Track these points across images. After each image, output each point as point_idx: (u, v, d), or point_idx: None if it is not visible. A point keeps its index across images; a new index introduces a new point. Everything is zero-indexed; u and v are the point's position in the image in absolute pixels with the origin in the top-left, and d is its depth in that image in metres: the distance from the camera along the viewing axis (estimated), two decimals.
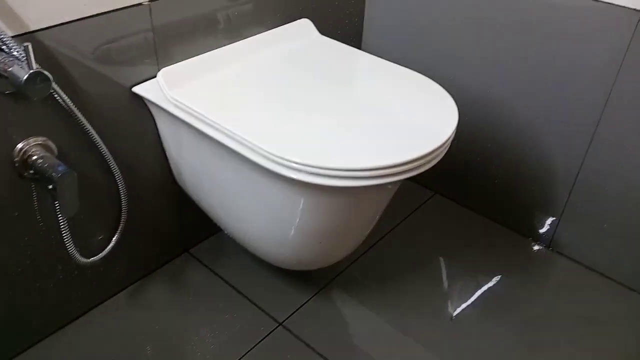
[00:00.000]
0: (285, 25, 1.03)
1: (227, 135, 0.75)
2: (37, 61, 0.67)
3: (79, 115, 0.79)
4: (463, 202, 1.29)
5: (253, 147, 0.72)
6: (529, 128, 1.10)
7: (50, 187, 0.76)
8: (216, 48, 0.96)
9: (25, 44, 0.65)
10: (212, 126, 0.77)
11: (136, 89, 0.86)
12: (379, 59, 0.95)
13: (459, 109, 0.81)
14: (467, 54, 1.13)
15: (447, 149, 0.75)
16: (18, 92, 0.68)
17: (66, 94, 0.76)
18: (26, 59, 0.66)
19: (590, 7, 0.93)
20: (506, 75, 1.09)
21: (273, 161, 0.71)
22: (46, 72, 0.68)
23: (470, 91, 1.16)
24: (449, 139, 0.74)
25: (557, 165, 1.09)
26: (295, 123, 0.77)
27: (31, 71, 0.65)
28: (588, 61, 0.97)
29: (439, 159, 0.74)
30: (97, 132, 0.82)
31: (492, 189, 1.22)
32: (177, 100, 0.81)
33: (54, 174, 0.74)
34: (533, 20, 1.01)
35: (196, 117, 0.79)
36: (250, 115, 0.78)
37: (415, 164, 0.70)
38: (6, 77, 0.68)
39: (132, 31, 0.82)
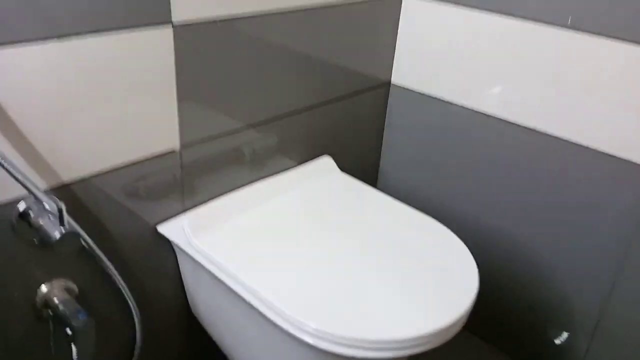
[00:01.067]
0: (307, 164, 1.07)
1: (246, 289, 0.76)
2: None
3: (103, 258, 0.80)
4: (481, 335, 1.26)
5: (271, 305, 0.73)
6: (548, 270, 1.09)
7: (69, 331, 0.76)
8: (241, 183, 0.99)
9: (60, 204, 0.68)
10: (232, 278, 0.78)
11: (161, 229, 0.87)
12: (399, 204, 0.97)
13: (475, 245, 0.81)
14: (485, 191, 1.14)
15: (465, 320, 0.74)
16: (47, 245, 0.70)
17: (91, 237, 0.78)
18: (59, 215, 0.68)
19: (612, 162, 0.95)
20: (524, 214, 1.10)
21: (289, 322, 0.71)
22: (77, 230, 0.70)
23: (487, 228, 1.16)
24: (467, 311, 0.73)
25: (577, 310, 1.07)
26: (315, 279, 0.78)
27: (64, 232, 0.67)
28: (608, 210, 0.98)
29: (456, 330, 0.73)
30: (119, 270, 0.83)
31: (509, 325, 1.20)
32: (200, 248, 0.82)
33: (74, 321, 0.75)
34: (554, 164, 1.03)
35: (217, 267, 0.79)
36: (270, 269, 0.79)
37: (429, 338, 0.70)
38: (36, 229, 0.71)
39: (161, 171, 0.85)
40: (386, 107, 1.28)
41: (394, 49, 1.21)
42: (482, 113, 1.12)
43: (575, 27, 0.94)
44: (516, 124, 1.07)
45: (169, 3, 0.75)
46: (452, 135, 1.18)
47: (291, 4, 0.92)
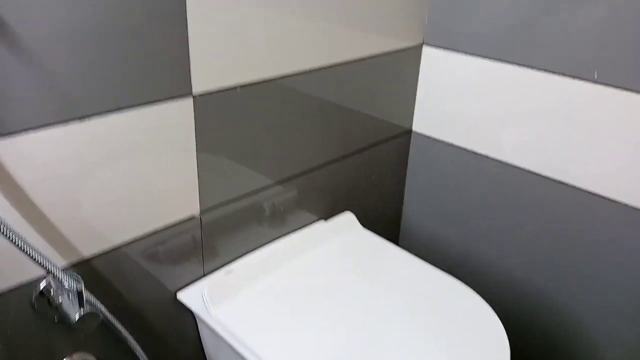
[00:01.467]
0: (329, 222, 1.05)
1: None
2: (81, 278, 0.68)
3: (123, 330, 0.79)
4: None
5: None
6: (575, 323, 1.05)
7: None
8: (262, 241, 0.97)
9: (79, 284, 0.67)
10: (252, 352, 0.76)
11: (181, 296, 0.86)
12: (422, 264, 0.94)
13: (499, 295, 0.78)
14: (510, 242, 1.11)
15: None
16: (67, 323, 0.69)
17: (111, 308, 0.77)
18: (77, 296, 0.67)
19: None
20: (550, 266, 1.06)
21: None
22: (96, 309, 0.69)
23: (513, 279, 1.13)
24: None
25: None
26: (337, 350, 0.75)
27: (83, 313, 0.66)
28: (632, 265, 0.94)
29: None
30: (139, 340, 0.82)
31: None
32: (219, 319, 0.81)
33: None
34: (580, 216, 1.00)
35: (237, 340, 0.78)
36: (291, 341, 0.77)
37: None
38: (56, 308, 0.70)
39: (181, 236, 0.84)
40: (408, 155, 1.26)
41: (415, 97, 1.20)
42: (505, 163, 1.09)
43: (602, 81, 0.92)
44: (541, 175, 1.04)
45: (190, 76, 0.74)
46: (474, 183, 1.16)
47: (310, 65, 0.91)
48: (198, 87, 0.76)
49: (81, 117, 0.65)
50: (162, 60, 0.70)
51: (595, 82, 0.92)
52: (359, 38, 0.99)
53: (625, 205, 0.94)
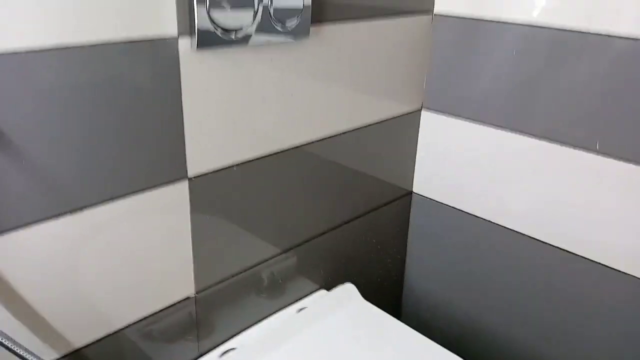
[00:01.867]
0: (330, 293, 1.03)
1: None
2: None
3: None
4: None
5: None
6: None
7: None
8: (260, 315, 0.95)
9: None
10: None
11: None
12: (424, 340, 0.92)
13: None
14: (516, 309, 1.08)
15: None
16: None
17: None
18: None
19: None
20: (556, 334, 1.03)
21: None
22: None
23: (519, 346, 1.09)
24: None
25: None
26: None
27: None
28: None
29: None
30: None
31: None
32: None
33: None
34: (586, 286, 0.97)
35: None
36: None
37: None
38: None
39: (175, 316, 0.82)
40: (409, 217, 1.24)
41: (415, 159, 1.19)
42: (507, 228, 1.07)
43: (604, 152, 0.90)
44: (545, 243, 1.02)
45: (185, 160, 0.74)
46: (476, 248, 1.14)
47: (309, 137, 0.91)
48: (193, 169, 0.75)
49: (75, 210, 0.64)
50: (157, 147, 0.70)
51: (598, 152, 0.91)
52: (359, 107, 0.98)
53: (634, 277, 0.92)
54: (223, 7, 0.69)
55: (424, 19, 1.05)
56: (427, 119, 1.14)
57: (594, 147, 0.91)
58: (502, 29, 0.98)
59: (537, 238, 1.03)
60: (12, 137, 0.57)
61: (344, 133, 0.97)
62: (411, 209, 1.24)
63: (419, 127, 1.16)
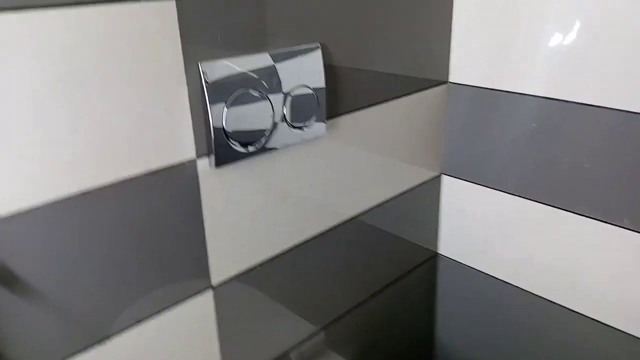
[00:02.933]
0: None
1: None
2: None
3: None
4: None
5: None
6: None
7: None
8: None
9: None
10: None
11: None
12: None
13: None
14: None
15: None
16: None
17: None
18: None
19: None
20: None
21: None
22: None
23: None
24: None
25: None
26: None
27: None
28: None
29: None
30: None
31: None
32: None
33: None
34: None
35: None
36: None
37: None
38: None
39: None
40: (436, 281, 1.22)
41: (438, 221, 1.17)
42: (534, 294, 1.05)
43: (632, 227, 0.88)
44: (574, 312, 0.99)
45: (208, 271, 0.74)
46: (504, 313, 1.11)
47: (330, 223, 0.90)
48: (217, 278, 0.75)
49: (101, 340, 0.65)
50: (179, 264, 0.70)
51: (624, 226, 0.88)
52: (381, 184, 0.97)
53: None
54: (239, 124, 0.69)
55: (439, 89, 1.04)
56: (448, 183, 1.13)
57: (620, 221, 0.89)
58: (518, 100, 0.96)
59: (564, 305, 1.00)
60: (30, 280, 0.57)
61: (366, 212, 0.96)
62: (437, 272, 1.22)
63: (440, 191, 1.15)
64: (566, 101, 0.90)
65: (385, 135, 0.95)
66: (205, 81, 0.64)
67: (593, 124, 0.88)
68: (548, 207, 0.98)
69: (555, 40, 0.88)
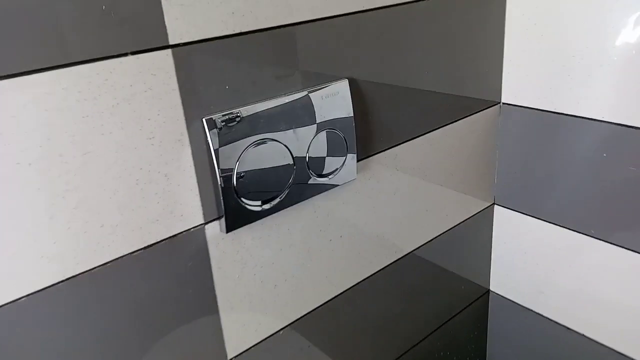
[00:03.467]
0: None
1: None
2: None
3: None
4: None
5: None
6: None
7: None
8: None
9: None
10: None
11: None
12: None
13: None
14: None
15: None
16: None
17: None
18: None
19: None
20: None
21: None
22: None
23: None
24: None
25: None
26: None
27: None
28: None
29: None
30: None
31: None
32: None
33: None
34: None
35: None
36: None
37: None
38: None
39: None
40: (487, 320, 1.10)
41: (490, 256, 1.05)
42: (594, 341, 0.91)
43: None
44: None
45: (224, 344, 0.65)
46: (559, 356, 0.98)
47: (367, 272, 0.80)
48: (233, 350, 0.67)
49: None
50: (190, 338, 0.62)
51: None
52: (426, 222, 0.86)
53: None
54: (254, 181, 0.59)
55: (490, 112, 0.91)
56: (501, 214, 1.00)
57: None
58: (581, 124, 0.83)
59: (633, 357, 0.87)
60: None
61: (409, 253, 0.85)
62: (489, 310, 1.09)
63: (492, 223, 1.02)
64: (635, 128, 0.76)
65: (430, 169, 0.84)
66: (211, 138, 0.55)
67: None
68: (615, 247, 0.84)
69: (626, 57, 0.74)
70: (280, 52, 0.59)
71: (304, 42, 0.61)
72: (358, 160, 0.71)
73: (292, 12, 0.58)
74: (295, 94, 0.61)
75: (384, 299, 0.85)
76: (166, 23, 0.49)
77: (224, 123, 0.55)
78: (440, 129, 0.83)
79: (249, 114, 0.57)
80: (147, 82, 0.50)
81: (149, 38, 0.49)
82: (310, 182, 0.65)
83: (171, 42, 0.50)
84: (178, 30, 0.50)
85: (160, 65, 0.50)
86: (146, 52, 0.49)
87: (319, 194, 0.67)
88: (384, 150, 0.75)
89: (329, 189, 0.68)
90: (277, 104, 0.60)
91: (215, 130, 0.55)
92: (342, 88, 0.66)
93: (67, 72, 0.45)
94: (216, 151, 0.55)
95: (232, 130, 0.56)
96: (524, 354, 1.06)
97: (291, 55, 0.60)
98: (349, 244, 0.75)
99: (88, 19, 0.45)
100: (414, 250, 0.86)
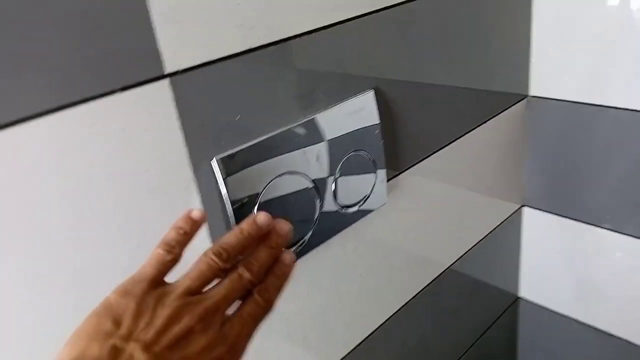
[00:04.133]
0: None
1: None
2: None
3: None
4: None
5: None
6: None
7: None
8: None
9: None
10: None
11: None
12: None
13: None
14: None
15: None
16: None
17: None
18: None
19: None
20: None
21: None
22: None
23: None
24: None
25: None
26: None
27: None
28: None
29: None
30: None
31: None
32: None
33: None
34: None
35: None
36: None
37: None
38: None
39: None
40: (517, 328, 1.02)
41: (519, 261, 0.96)
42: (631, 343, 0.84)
43: None
44: None
45: None
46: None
47: (402, 300, 0.71)
48: None
49: None
50: None
51: None
52: (458, 237, 0.77)
53: None
54: None
55: (517, 107, 0.81)
56: (530, 217, 0.91)
57: None
58: (620, 116, 0.73)
59: None
60: None
61: (445, 270, 0.76)
62: (518, 318, 1.01)
63: (520, 226, 0.93)
64: None
65: (460, 177, 0.74)
66: (224, 183, 0.44)
67: None
68: None
69: None
70: (296, 67, 0.48)
71: (321, 52, 0.50)
72: (388, 180, 0.61)
73: (305, 18, 0.47)
74: (317, 114, 0.51)
75: (419, 325, 0.76)
76: (160, 47, 0.38)
77: (236, 161, 0.45)
78: (469, 133, 0.73)
79: (265, 148, 0.47)
80: (142, 123, 0.39)
81: (139, 68, 0.38)
82: (337, 215, 0.55)
83: (168, 71, 0.39)
84: (176, 55, 0.39)
85: (156, 100, 0.39)
86: (137, 86, 0.38)
87: (348, 226, 0.57)
88: (413, 165, 0.65)
89: (359, 218, 0.58)
90: (297, 133, 0.49)
91: (226, 171, 0.44)
92: (367, 102, 0.55)
93: (42, 123, 0.34)
94: (232, 201, 0.45)
95: (246, 169, 0.46)
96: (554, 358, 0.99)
97: (309, 69, 0.49)
98: (381, 275, 0.66)
99: (63, 54, 0.34)
100: (449, 267, 0.77)
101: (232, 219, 0.45)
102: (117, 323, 0.29)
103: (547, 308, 0.96)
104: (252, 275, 0.33)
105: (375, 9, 0.54)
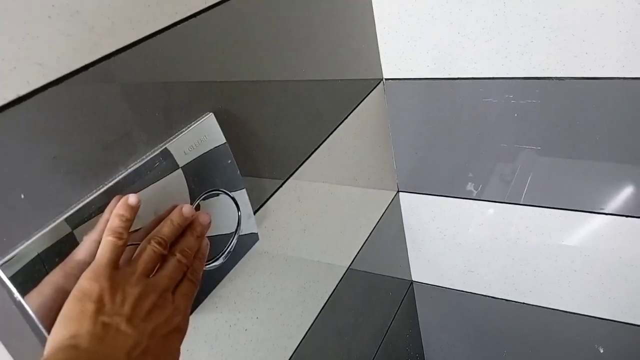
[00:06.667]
0: None
1: None
2: None
3: None
4: None
5: None
6: None
7: None
8: None
9: None
10: None
11: None
12: None
13: None
14: None
15: None
16: None
17: None
18: None
19: None
20: None
21: None
22: None
23: None
24: None
25: None
26: None
27: None
28: None
29: None
30: None
31: None
32: None
33: None
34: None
35: None
36: None
37: None
38: None
39: None
40: (416, 310, 0.97)
41: (406, 247, 0.91)
42: (534, 305, 0.84)
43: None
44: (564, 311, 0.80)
45: None
46: (488, 327, 0.91)
47: (294, 342, 0.59)
48: None
49: None
50: None
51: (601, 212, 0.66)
52: (346, 243, 0.68)
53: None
54: None
55: (375, 94, 0.73)
56: (407, 201, 0.85)
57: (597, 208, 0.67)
58: (472, 86, 0.69)
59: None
60: None
61: (335, 288, 0.67)
62: (416, 302, 0.96)
63: (400, 212, 0.87)
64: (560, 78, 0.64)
65: (334, 181, 0.64)
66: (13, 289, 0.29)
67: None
68: (532, 207, 0.74)
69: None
70: (97, 104, 0.34)
71: (131, 77, 0.36)
72: (255, 212, 0.49)
73: (103, 37, 0.33)
74: (145, 160, 0.37)
75: (325, 349, 0.66)
76: None
77: (26, 264, 0.30)
78: (334, 132, 0.63)
79: (75, 221, 0.32)
80: None
81: None
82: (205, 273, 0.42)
83: None
84: None
85: None
86: None
87: (217, 284, 0.44)
88: (281, 186, 0.54)
89: (230, 270, 0.46)
90: (117, 189, 0.35)
91: (16, 277, 0.29)
92: (209, 127, 0.42)
93: None
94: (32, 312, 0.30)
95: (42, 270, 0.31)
96: (459, 336, 0.96)
97: (117, 103, 0.35)
98: (268, 322, 0.54)
99: None
100: (337, 284, 0.67)
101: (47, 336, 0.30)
102: (99, 302, 0.32)
103: (438, 286, 0.92)
104: (187, 261, 0.38)
105: (193, 12, 0.40)
